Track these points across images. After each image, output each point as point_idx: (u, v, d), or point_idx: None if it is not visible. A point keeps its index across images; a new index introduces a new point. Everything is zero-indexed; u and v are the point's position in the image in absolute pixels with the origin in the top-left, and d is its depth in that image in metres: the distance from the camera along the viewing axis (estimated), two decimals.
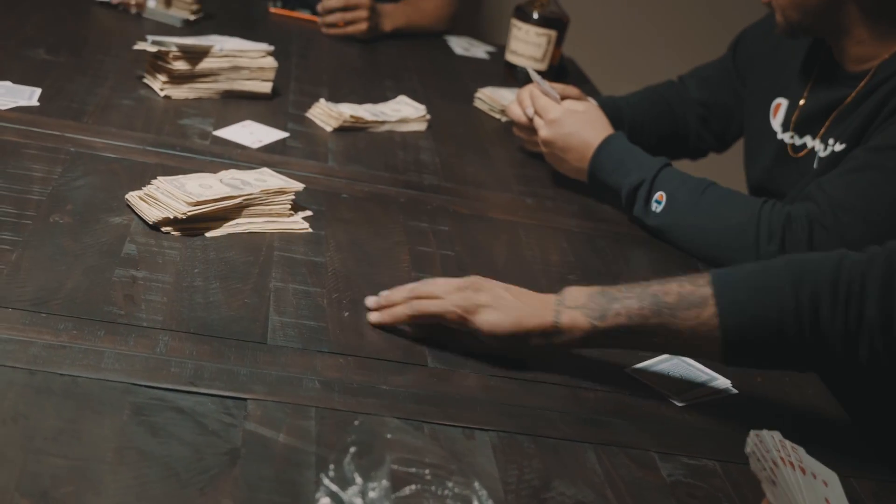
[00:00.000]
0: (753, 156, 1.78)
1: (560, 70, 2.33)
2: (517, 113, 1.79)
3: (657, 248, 1.57)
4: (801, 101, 1.65)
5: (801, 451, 0.99)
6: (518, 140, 1.85)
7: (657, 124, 1.92)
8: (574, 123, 1.67)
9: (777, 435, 0.98)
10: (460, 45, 2.52)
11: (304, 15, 2.42)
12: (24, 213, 1.27)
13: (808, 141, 1.62)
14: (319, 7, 2.36)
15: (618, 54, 3.28)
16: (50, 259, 1.18)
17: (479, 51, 2.51)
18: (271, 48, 1.83)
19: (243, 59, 1.80)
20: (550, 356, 1.20)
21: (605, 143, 1.64)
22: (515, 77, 2.28)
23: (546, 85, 1.72)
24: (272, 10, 2.42)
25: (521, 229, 1.54)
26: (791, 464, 0.96)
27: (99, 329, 1.08)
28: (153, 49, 1.73)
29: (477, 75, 2.29)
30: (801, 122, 1.65)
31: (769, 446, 0.96)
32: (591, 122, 1.68)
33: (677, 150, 1.96)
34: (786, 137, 1.67)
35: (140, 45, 1.74)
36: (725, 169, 2.15)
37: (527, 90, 1.77)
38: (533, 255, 1.47)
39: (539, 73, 1.77)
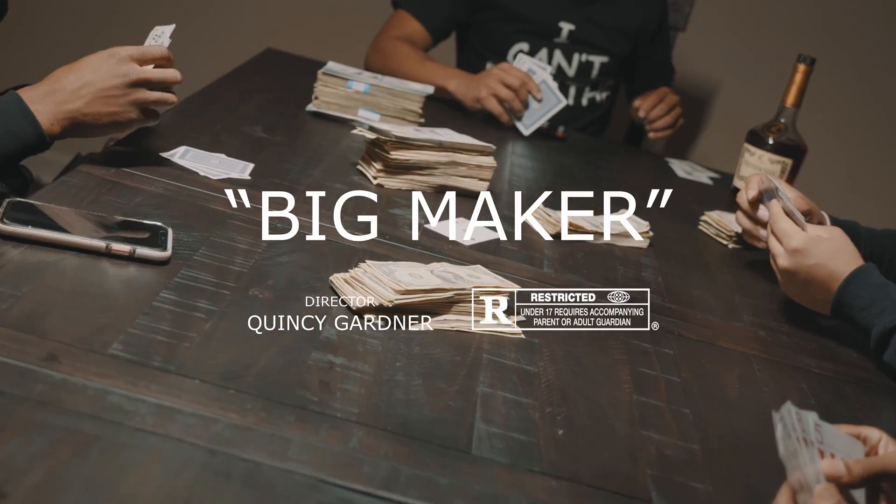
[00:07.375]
0: None
1: None
2: (744, 206, 1.69)
3: None
4: None
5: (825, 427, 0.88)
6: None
7: None
8: (821, 254, 1.48)
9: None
10: (682, 168, 2.38)
11: (560, 133, 2.36)
12: (224, 284, 1.18)
13: None
14: (648, 116, 2.53)
15: (852, 186, 3.07)
16: (244, 334, 1.09)
17: (702, 175, 2.36)
18: (493, 147, 1.74)
19: (462, 156, 1.71)
20: None
21: (855, 276, 1.45)
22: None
23: (791, 204, 1.54)
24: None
25: (755, 363, 1.37)
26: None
27: (289, 414, 0.96)
28: (371, 136, 1.66)
29: (700, 199, 2.15)
30: None
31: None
32: (839, 252, 1.49)
33: None
34: None
35: (359, 130, 1.67)
36: None
37: (756, 180, 1.64)
38: (769, 392, 1.29)
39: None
